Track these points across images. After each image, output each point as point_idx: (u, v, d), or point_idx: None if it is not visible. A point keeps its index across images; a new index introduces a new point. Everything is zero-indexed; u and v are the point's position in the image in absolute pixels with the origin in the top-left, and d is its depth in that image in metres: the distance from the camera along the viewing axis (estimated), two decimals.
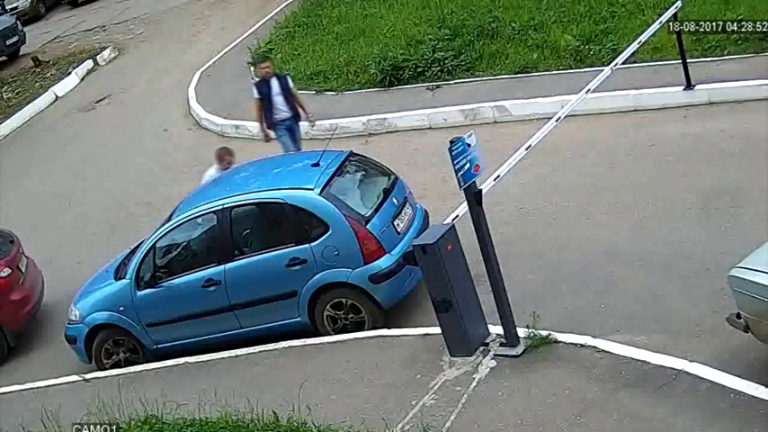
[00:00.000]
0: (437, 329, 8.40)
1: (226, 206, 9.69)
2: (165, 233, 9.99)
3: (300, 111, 12.79)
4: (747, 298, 6.84)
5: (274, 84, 12.64)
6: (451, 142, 7.73)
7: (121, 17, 26.55)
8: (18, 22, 25.91)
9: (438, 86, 14.58)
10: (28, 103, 21.05)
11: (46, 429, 8.42)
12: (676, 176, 10.44)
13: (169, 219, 10.17)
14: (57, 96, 21.24)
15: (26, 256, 12.21)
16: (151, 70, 20.87)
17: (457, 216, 8.24)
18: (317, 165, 9.74)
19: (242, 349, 9.60)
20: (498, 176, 8.38)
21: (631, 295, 8.71)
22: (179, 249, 10.11)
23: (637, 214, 10.01)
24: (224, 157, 11.37)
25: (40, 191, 16.33)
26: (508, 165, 8.55)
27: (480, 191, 7.86)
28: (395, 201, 9.72)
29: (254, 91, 12.83)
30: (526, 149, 8.80)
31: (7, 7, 28.91)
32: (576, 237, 9.94)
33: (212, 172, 11.32)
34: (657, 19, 11.81)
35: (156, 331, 10.11)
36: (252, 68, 17.92)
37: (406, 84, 14.87)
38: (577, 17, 14.65)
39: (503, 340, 8.24)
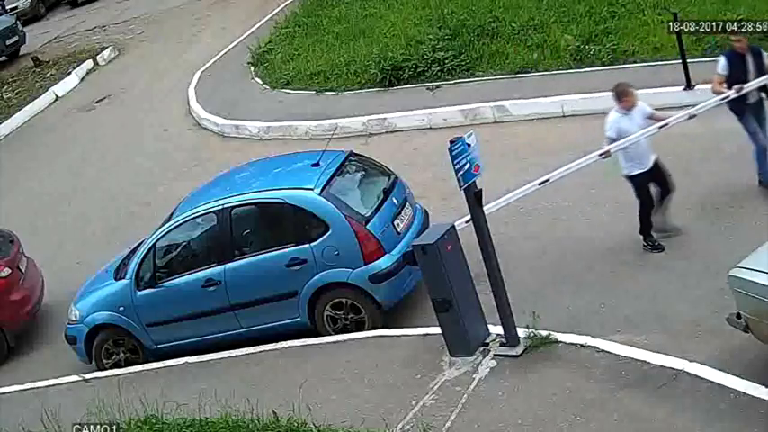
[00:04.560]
0: (437, 329, 8.39)
1: (226, 206, 9.69)
2: (165, 233, 9.98)
3: None
4: (747, 298, 6.84)
5: (749, 61, 10.09)
6: (451, 142, 7.74)
7: (121, 17, 26.53)
8: (18, 22, 25.87)
9: (438, 86, 14.57)
10: (28, 103, 21.01)
11: (46, 429, 8.42)
12: (676, 176, 10.42)
13: (169, 219, 10.17)
14: (57, 96, 21.22)
15: (26, 256, 12.19)
16: (151, 70, 20.85)
17: (470, 219, 8.13)
18: (316, 165, 9.74)
19: (242, 349, 9.61)
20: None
21: (631, 295, 8.71)
22: (179, 249, 10.11)
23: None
24: (626, 91, 9.48)
25: (39, 191, 16.31)
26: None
27: (480, 191, 7.86)
28: (395, 201, 9.72)
29: (723, 64, 10.15)
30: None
31: (7, 7, 28.89)
32: (576, 237, 9.94)
33: (614, 116, 9.51)
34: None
35: (156, 331, 10.11)
36: (252, 69, 17.94)
37: (406, 84, 14.85)
38: (577, 17, 14.64)
39: (503, 340, 8.24)
